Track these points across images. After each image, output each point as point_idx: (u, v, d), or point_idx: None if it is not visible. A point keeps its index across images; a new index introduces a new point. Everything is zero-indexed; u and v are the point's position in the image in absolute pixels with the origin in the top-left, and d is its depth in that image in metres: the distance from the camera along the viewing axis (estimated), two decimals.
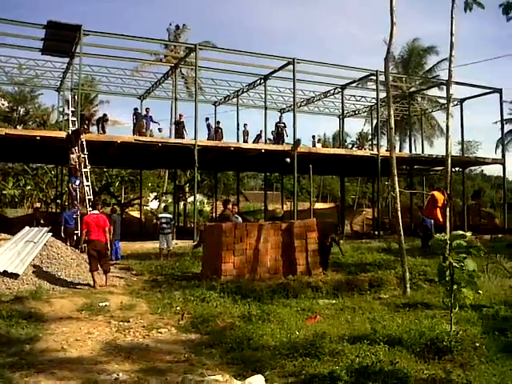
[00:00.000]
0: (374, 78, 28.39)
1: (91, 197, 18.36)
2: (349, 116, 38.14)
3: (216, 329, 7.76)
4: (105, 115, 24.87)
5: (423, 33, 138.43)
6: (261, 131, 30.03)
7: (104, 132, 23.19)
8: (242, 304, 9.23)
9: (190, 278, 11.90)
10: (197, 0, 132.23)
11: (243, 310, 8.69)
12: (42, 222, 18.92)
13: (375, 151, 28.48)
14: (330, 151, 28.69)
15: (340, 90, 31.87)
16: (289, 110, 34.47)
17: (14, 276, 10.91)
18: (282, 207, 36.32)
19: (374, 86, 29.53)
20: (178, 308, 9.02)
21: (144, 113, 25.27)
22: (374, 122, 37.89)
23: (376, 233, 28.20)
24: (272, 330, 7.48)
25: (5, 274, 10.88)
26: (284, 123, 28.40)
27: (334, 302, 9.92)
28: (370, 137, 54.14)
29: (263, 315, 8.29)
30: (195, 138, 22.96)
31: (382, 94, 27.75)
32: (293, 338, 7.00)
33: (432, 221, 16.03)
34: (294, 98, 26.41)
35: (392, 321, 8.06)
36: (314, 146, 30.13)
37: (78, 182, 18.54)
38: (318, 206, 46.52)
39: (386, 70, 12.39)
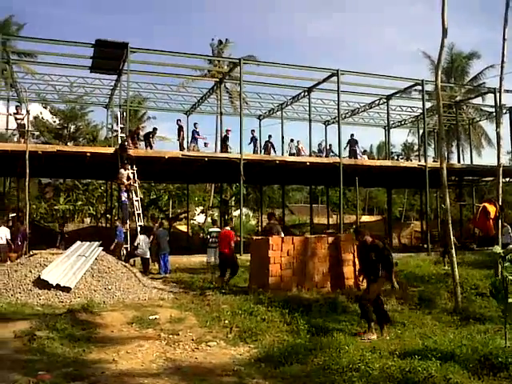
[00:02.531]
0: (420, 87, 28.02)
1: (140, 211, 18.73)
2: (395, 127, 37.66)
3: (264, 343, 7.79)
4: (155, 129, 25.26)
5: (461, 39, 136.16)
6: (298, 142, 29.89)
7: (151, 146, 23.64)
8: (289, 318, 9.22)
9: (238, 292, 11.96)
10: (237, 15, 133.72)
11: (291, 325, 8.68)
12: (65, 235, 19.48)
13: (422, 162, 28.02)
14: (376, 163, 28.37)
15: (385, 100, 31.57)
16: (333, 122, 34.34)
17: (67, 289, 11.22)
18: (328, 220, 36.07)
19: (420, 96, 29.13)
20: (227, 321, 9.08)
21: (193, 128, 25.63)
22: (421, 131, 37.35)
23: (425, 246, 27.62)
24: (320, 344, 7.45)
25: (58, 287, 11.20)
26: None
27: None
28: (415, 147, 53.27)
29: (311, 329, 8.27)
30: (241, 152, 23.12)
31: (428, 104, 27.31)
32: (342, 353, 6.95)
33: None
34: (338, 109, 26.31)
35: (444, 336, 7.91)
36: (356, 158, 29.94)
37: (126, 196, 18.96)
38: (365, 218, 46.05)
39: (436, 78, 12.22)
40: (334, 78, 25.56)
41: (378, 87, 29.39)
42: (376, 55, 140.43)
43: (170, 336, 8.22)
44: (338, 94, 25.62)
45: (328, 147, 30.63)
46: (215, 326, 8.85)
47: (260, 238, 13.40)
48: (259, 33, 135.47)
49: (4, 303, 10.31)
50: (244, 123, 24.07)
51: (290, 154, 28.44)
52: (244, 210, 32.04)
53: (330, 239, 12.63)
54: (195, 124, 25.67)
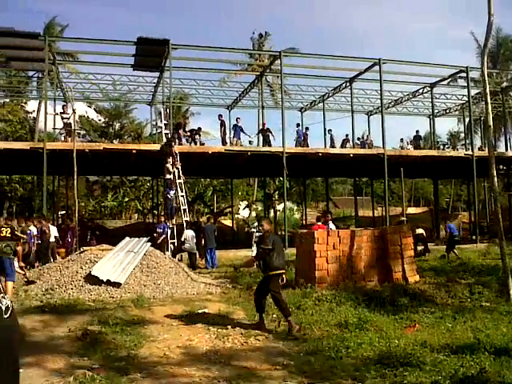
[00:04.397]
0: (464, 74, 27.36)
1: (186, 206, 18.95)
2: (439, 115, 36.86)
3: (313, 337, 7.78)
4: (199, 128, 25.48)
5: (509, 22, 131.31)
6: (347, 135, 29.74)
7: (194, 140, 23.85)
8: (337, 312, 9.18)
9: (284, 286, 11.97)
10: (276, 7, 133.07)
11: (339, 318, 8.64)
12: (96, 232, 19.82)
13: (469, 151, 27.38)
14: (422, 153, 27.86)
15: (429, 88, 30.93)
16: (376, 113, 33.92)
17: (117, 285, 11.45)
18: (373, 213, 35.67)
19: (465, 83, 28.45)
20: (274, 316, 9.11)
21: (234, 122, 25.73)
22: (467, 120, 36.49)
23: (473, 237, 27.03)
24: (370, 338, 7.39)
25: (108, 282, 11.45)
26: None
27: (432, 309, 9.64)
28: (461, 136, 52.04)
29: (360, 323, 8.21)
30: (283, 146, 23.08)
31: (473, 91, 26.62)
32: (392, 347, 6.88)
33: None
34: (381, 99, 25.98)
35: (496, 329, 7.73)
36: (402, 148, 29.49)
37: (172, 193, 19.22)
38: (411, 210, 45.30)
39: (482, 64, 11.85)
40: (376, 68, 25.22)
41: (421, 75, 28.83)
42: (420, 42, 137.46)
43: (219, 330, 8.30)
44: (381, 83, 25.30)
45: (366, 138, 30.34)
46: (264, 320, 8.87)
47: (305, 231, 13.37)
48: (299, 24, 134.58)
49: (57, 299, 10.61)
50: (285, 116, 24.07)
51: (332, 146, 28.27)
52: (288, 203, 31.98)
53: (377, 232, 12.50)
54: (237, 119, 25.74)
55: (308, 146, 26.60)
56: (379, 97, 26.81)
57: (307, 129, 28.45)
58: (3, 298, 1.35)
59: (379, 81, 25.35)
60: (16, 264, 12.66)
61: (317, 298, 10.17)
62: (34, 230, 15.99)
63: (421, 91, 31.75)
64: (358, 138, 31.51)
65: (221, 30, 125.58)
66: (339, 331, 7.93)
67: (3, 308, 1.33)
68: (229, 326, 8.49)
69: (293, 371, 6.23)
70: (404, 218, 19.60)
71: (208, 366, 6.53)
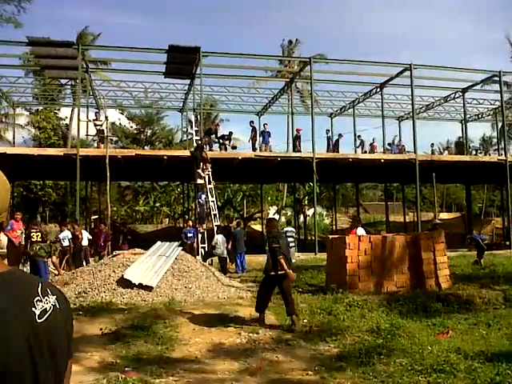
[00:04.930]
0: (497, 78, 26.92)
1: (216, 211, 19.05)
2: (471, 120, 36.32)
3: (345, 342, 7.73)
4: (230, 133, 25.61)
5: None
6: (373, 139, 29.47)
7: (226, 149, 24.00)
8: (369, 318, 9.10)
9: (315, 291, 11.94)
10: (306, 14, 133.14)
11: (371, 324, 8.56)
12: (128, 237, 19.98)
13: (502, 156, 26.91)
14: (454, 158, 27.49)
15: (461, 93, 30.51)
16: (407, 118, 33.60)
17: (149, 288, 11.55)
18: (404, 218, 35.27)
19: (497, 88, 27.99)
20: (306, 321, 9.07)
21: (262, 128, 25.81)
22: (500, 124, 35.84)
23: (507, 243, 26.50)
24: (402, 344, 7.31)
25: (140, 286, 11.57)
26: None
27: (466, 316, 9.49)
28: (494, 141, 51.15)
29: (392, 329, 8.12)
30: (313, 151, 23.06)
31: (506, 96, 26.18)
32: (425, 354, 6.79)
33: None
34: (412, 104, 25.75)
35: None
36: (433, 153, 29.13)
37: (203, 197, 19.36)
38: (443, 215, 44.61)
39: None
40: (407, 73, 25.01)
41: (454, 80, 28.47)
42: (453, 46, 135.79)
43: (250, 334, 8.30)
44: (412, 88, 25.08)
45: (398, 144, 30.10)
46: (294, 325, 8.85)
47: (336, 236, 13.31)
48: (328, 31, 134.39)
49: (90, 301, 10.77)
50: (315, 122, 24.03)
51: (363, 152, 28.12)
52: (317, 209, 31.86)
53: (409, 238, 12.37)
54: (264, 125, 25.87)
55: (338, 152, 26.51)
56: (410, 102, 26.56)
57: (340, 135, 28.37)
58: (40, 301, 1.35)
59: (410, 86, 25.12)
60: (50, 264, 12.96)
61: (348, 303, 10.10)
62: (68, 234, 16.27)
63: (452, 96, 31.34)
64: (389, 144, 31.27)
65: (250, 38, 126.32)
66: (371, 337, 7.86)
67: (37, 312, 1.31)
68: (260, 331, 8.49)
69: (324, 377, 6.20)
70: (438, 221, 19.32)
71: (240, 370, 6.54)
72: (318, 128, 27.76)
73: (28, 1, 29.43)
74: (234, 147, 24.06)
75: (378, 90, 29.04)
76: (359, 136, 29.54)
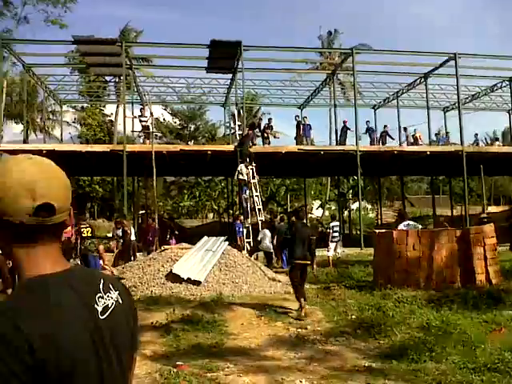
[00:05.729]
0: None
1: (260, 206, 19.11)
2: None
3: (394, 339, 7.66)
4: (270, 120, 25.68)
5: None
6: (415, 130, 28.91)
7: (269, 140, 24.04)
8: (418, 314, 8.98)
9: (362, 286, 11.86)
10: (343, 4, 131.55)
11: (421, 321, 8.45)
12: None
13: None
14: (502, 150, 26.74)
15: (508, 82, 29.59)
16: (453, 108, 32.86)
17: (197, 283, 11.72)
18: (452, 212, 34.56)
19: None
20: (354, 316, 9.04)
21: (302, 122, 25.72)
22: None
23: None
24: (454, 342, 7.20)
25: (188, 280, 11.75)
26: None
27: None
28: None
29: (443, 326, 7.99)
30: (357, 144, 22.84)
31: None
32: (478, 352, 6.67)
33: None
34: (457, 94, 25.15)
35: None
36: (477, 144, 28.41)
37: (247, 192, 19.44)
38: (491, 209, 43.50)
39: None
40: (452, 62, 24.44)
41: (499, 69, 27.63)
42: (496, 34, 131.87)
43: (299, 330, 8.33)
44: (457, 78, 24.48)
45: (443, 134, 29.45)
46: (343, 321, 8.84)
47: (384, 231, 13.17)
48: (368, 20, 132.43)
49: (140, 296, 11.00)
50: (358, 114, 23.79)
51: (407, 143, 27.65)
52: (362, 202, 31.56)
53: (458, 232, 12.12)
54: (304, 118, 25.78)
55: (385, 144, 26.19)
56: (456, 92, 25.96)
57: (385, 126, 27.96)
58: (101, 297, 1.37)
59: (455, 75, 24.53)
60: (100, 262, 13.26)
61: (397, 299, 9.98)
62: (119, 231, 16.59)
63: (499, 85, 30.43)
64: (436, 135, 30.64)
65: (288, 31, 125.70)
66: (421, 334, 7.76)
67: (99, 309, 1.34)
68: (308, 326, 8.51)
69: (375, 373, 6.17)
70: (485, 215, 18.89)
71: (289, 365, 6.57)
72: (362, 120, 27.49)
73: (72, 2, 30.29)
74: (274, 136, 24.11)
75: (423, 80, 28.46)
76: (385, 126, 28.70)
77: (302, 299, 9.50)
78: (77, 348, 1.23)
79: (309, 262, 9.99)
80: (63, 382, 1.18)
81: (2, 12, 29.10)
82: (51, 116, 40.42)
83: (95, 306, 1.32)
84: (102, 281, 1.41)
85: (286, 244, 9.94)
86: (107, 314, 1.34)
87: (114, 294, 1.41)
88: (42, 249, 1.32)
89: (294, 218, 12.94)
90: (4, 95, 26.79)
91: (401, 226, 12.88)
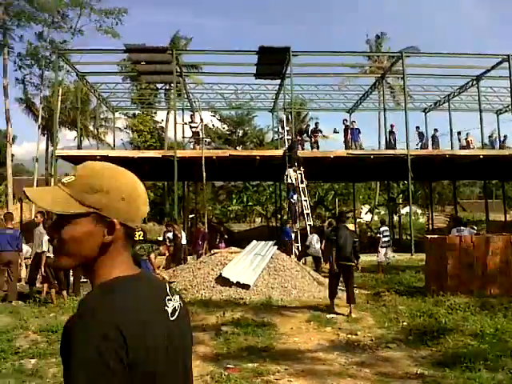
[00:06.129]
0: None
1: (309, 211, 19.08)
2: None
3: (447, 346, 7.52)
4: (317, 124, 25.65)
5: None
6: (467, 134, 28.24)
7: (317, 144, 24.01)
8: (472, 321, 8.78)
9: (414, 292, 11.68)
10: (391, 7, 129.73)
11: (475, 328, 8.26)
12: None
13: None
14: None
15: None
16: (506, 111, 31.96)
17: (246, 287, 11.82)
18: (505, 217, 33.55)
19: None
20: (405, 323, 8.91)
21: (351, 126, 25.55)
22: None
23: None
24: (510, 350, 7.01)
25: (238, 284, 11.86)
26: None
27: None
28: None
29: (497, 334, 7.80)
30: (407, 148, 22.53)
31: None
32: None
33: None
34: (511, 97, 24.44)
35: None
36: None
37: (295, 197, 19.44)
38: None
39: None
40: (505, 64, 23.78)
41: None
42: None
43: (349, 336, 8.29)
44: (511, 80, 23.78)
45: (502, 138, 28.63)
46: (393, 327, 8.74)
47: (436, 236, 12.93)
48: (416, 23, 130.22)
49: (190, 299, 11.17)
50: (409, 117, 23.43)
51: (460, 148, 27.05)
52: (412, 207, 31.01)
53: None
54: (353, 122, 25.62)
55: (438, 148, 25.72)
56: (509, 94, 25.24)
57: (436, 130, 27.47)
58: (170, 300, 1.42)
59: (509, 77, 23.85)
60: (150, 267, 13.51)
61: (449, 306, 9.80)
62: (169, 234, 16.87)
63: None
64: (489, 137, 29.87)
65: (333, 36, 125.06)
66: (475, 342, 7.60)
67: (169, 311, 1.39)
68: (358, 332, 8.45)
69: (427, 381, 6.07)
70: None
71: (340, 371, 6.53)
72: (412, 124, 27.10)
73: (124, 13, 31.18)
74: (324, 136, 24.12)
75: (474, 82, 27.80)
76: (417, 127, 28.07)
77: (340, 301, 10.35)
78: (158, 349, 1.28)
79: (352, 264, 10.22)
80: (146, 382, 1.23)
81: (60, 25, 30.32)
82: (103, 123, 41.55)
83: (166, 308, 1.36)
84: (166, 284, 1.47)
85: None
86: (175, 316, 1.38)
87: (177, 297, 1.45)
88: (127, 253, 1.39)
89: (334, 222, 13.19)
90: (59, 103, 27.73)
91: (454, 232, 12.64)
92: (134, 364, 1.19)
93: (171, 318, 1.36)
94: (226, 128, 47.04)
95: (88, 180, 1.32)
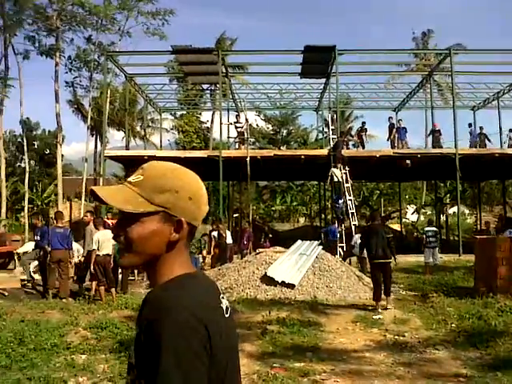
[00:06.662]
0: None
1: (354, 211, 18.95)
2: None
3: (498, 350, 7.36)
4: (363, 123, 25.44)
5: None
6: (510, 130, 27.37)
7: (363, 144, 23.82)
8: None
9: (462, 294, 11.46)
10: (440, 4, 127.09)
11: None
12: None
13: None
14: None
15: None
16: None
17: (291, 286, 11.86)
18: None
19: None
20: (454, 325, 8.77)
21: (397, 125, 25.20)
22: None
23: None
24: None
25: (282, 283, 11.91)
26: None
27: None
28: None
29: None
30: (455, 147, 22.07)
31: None
32: None
33: None
34: None
35: None
36: None
37: (341, 201, 19.35)
38: None
39: None
40: None
41: None
42: None
43: (396, 337, 8.21)
44: None
45: None
46: (441, 330, 8.60)
47: (485, 237, 12.66)
48: (464, 19, 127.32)
49: (236, 297, 11.27)
50: (457, 116, 22.93)
51: (508, 146, 26.29)
52: (460, 207, 30.34)
53: None
54: (399, 120, 25.25)
55: (485, 146, 25.10)
56: None
57: (481, 128, 26.80)
58: (223, 298, 1.46)
59: None
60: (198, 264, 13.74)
61: (500, 308, 9.56)
62: (214, 233, 17.05)
63: None
64: None
65: (380, 33, 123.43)
66: None
67: (224, 308, 1.42)
68: (405, 334, 8.37)
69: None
70: None
71: (387, 372, 6.50)
72: (460, 122, 26.47)
73: (171, 13, 31.64)
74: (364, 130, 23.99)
75: None
76: (511, 130, 27.34)
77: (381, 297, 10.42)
78: (224, 344, 1.31)
79: (389, 260, 10.62)
80: (219, 374, 1.27)
81: (108, 27, 31.05)
82: (150, 123, 42.29)
83: (221, 305, 1.38)
84: (216, 284, 1.50)
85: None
86: (228, 313, 1.40)
87: (225, 296, 1.48)
88: (188, 251, 1.43)
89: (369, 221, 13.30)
90: (108, 104, 28.37)
91: (506, 233, 12.36)
92: (212, 357, 1.23)
93: (226, 315, 1.38)
94: (271, 128, 47.16)
95: (157, 180, 1.35)
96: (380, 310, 10.04)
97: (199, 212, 1.40)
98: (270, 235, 20.20)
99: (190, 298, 1.27)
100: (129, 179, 1.39)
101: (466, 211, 46.31)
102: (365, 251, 15.98)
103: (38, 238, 12.59)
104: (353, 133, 25.97)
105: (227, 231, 18.39)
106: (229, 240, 17.47)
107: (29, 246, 15.17)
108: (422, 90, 30.29)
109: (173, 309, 1.22)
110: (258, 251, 14.27)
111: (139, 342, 1.25)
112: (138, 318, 1.35)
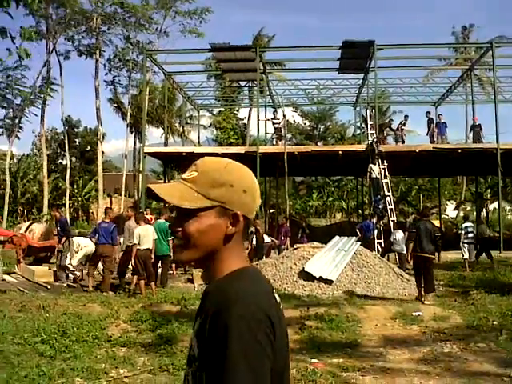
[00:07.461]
0: None
1: (392, 206, 18.79)
2: None
3: None
4: (406, 117, 25.14)
5: None
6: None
7: (403, 139, 23.56)
8: None
9: (505, 291, 11.25)
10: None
11: None
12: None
13: None
14: None
15: None
16: None
17: (329, 282, 11.86)
18: None
19: None
20: (495, 323, 8.64)
21: (437, 119, 24.83)
22: None
23: None
24: None
25: (320, 279, 11.92)
26: None
27: None
28: None
29: None
30: (497, 142, 21.61)
31: None
32: None
33: None
34: None
35: None
36: None
37: (381, 203, 19.22)
38: None
39: None
40: None
41: None
42: None
43: (436, 334, 8.13)
44: None
45: None
46: (483, 327, 8.47)
47: None
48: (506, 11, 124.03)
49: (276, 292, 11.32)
50: (499, 110, 22.44)
51: None
52: (501, 203, 29.63)
53: None
54: (439, 115, 24.91)
55: None
56: None
57: None
58: (275, 292, 1.50)
59: None
60: None
61: None
62: (252, 229, 17.14)
63: None
64: None
65: (419, 28, 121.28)
66: None
67: (278, 300, 1.39)
68: (445, 330, 8.28)
69: None
70: None
71: (427, 369, 6.44)
72: (502, 117, 25.94)
73: (208, 11, 31.90)
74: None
75: None
76: None
77: (422, 289, 10.83)
78: (283, 337, 1.34)
79: (432, 256, 10.99)
80: (280, 364, 1.30)
81: (146, 27, 31.55)
82: (189, 120, 42.72)
83: (276, 298, 1.39)
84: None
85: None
86: (281, 307, 1.41)
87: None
88: (243, 244, 1.46)
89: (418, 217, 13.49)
90: (147, 102, 28.81)
91: None
92: (275, 349, 1.25)
93: (280, 308, 1.39)
94: (308, 123, 47.11)
95: (212, 174, 1.38)
96: (424, 301, 10.47)
97: (254, 205, 1.43)
98: (307, 231, 20.18)
99: (253, 291, 1.30)
100: (183, 176, 1.43)
101: (507, 207, 45.24)
102: (404, 246, 16.05)
103: (59, 229, 13.41)
104: (393, 127, 25.61)
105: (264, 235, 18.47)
106: (266, 239, 17.50)
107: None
108: (462, 85, 29.71)
109: (239, 301, 1.25)
110: (295, 247, 14.29)
111: (203, 333, 1.28)
112: (199, 310, 1.39)
